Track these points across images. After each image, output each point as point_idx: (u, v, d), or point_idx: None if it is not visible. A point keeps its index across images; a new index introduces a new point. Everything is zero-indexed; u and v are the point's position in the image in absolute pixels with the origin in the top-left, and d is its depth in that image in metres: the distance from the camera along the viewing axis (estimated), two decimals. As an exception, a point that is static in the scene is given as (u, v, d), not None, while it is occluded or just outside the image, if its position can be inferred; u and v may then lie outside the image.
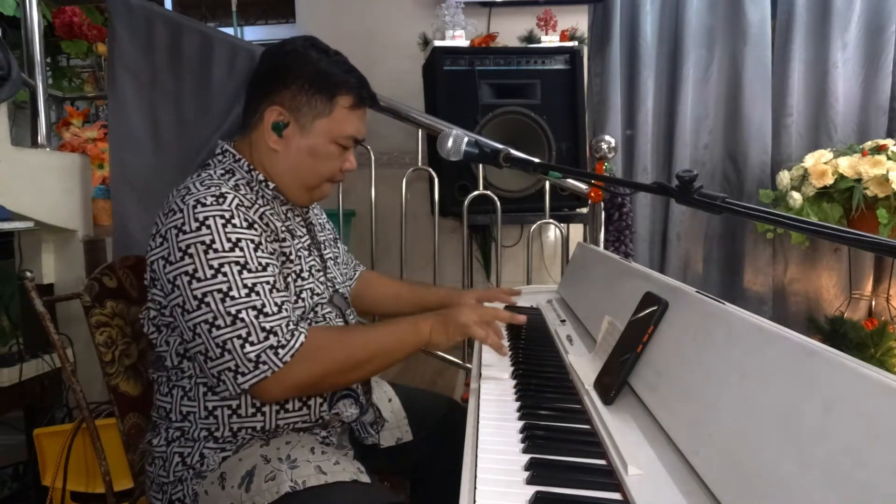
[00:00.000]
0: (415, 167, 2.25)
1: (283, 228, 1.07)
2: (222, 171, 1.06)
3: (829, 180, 2.57)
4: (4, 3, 2.07)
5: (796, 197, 2.66)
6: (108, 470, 1.18)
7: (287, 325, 0.95)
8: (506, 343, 1.11)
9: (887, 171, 2.44)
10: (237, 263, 0.93)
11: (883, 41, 2.93)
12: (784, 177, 2.77)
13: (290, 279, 1.04)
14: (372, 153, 2.29)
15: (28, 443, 1.73)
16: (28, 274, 1.16)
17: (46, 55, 2.17)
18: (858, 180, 2.52)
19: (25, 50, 1.81)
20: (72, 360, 1.53)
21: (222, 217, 0.95)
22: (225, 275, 0.92)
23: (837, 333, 2.65)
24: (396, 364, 1.17)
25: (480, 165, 2.23)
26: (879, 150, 2.54)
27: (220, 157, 1.10)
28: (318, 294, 1.10)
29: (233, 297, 0.92)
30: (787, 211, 2.65)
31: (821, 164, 2.61)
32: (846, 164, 2.54)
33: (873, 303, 2.95)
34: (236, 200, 0.97)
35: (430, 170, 2.29)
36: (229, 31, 2.93)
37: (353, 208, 2.76)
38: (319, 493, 0.88)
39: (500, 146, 1.28)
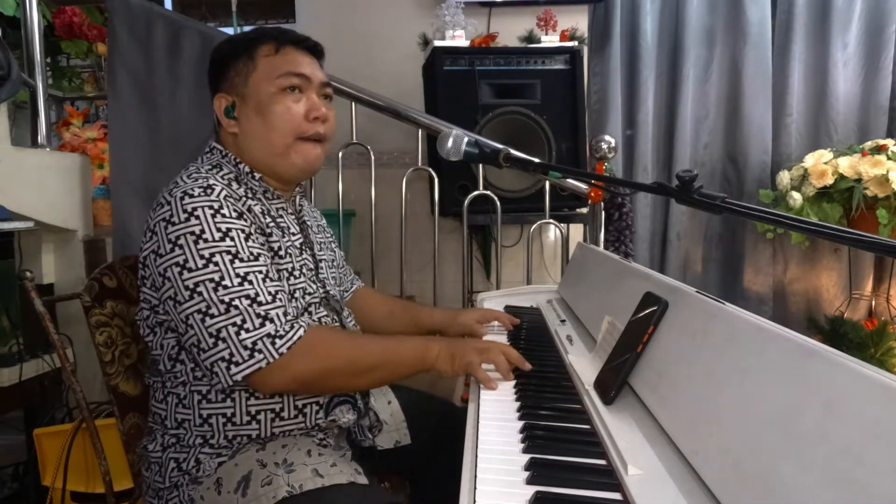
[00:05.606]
0: (415, 167, 2.25)
1: (273, 224, 1.05)
2: (209, 167, 1.06)
3: (829, 180, 2.57)
4: (4, 3, 2.07)
5: (796, 197, 2.66)
6: (107, 470, 1.18)
7: (285, 315, 0.93)
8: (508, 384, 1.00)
9: (887, 171, 2.44)
10: (228, 253, 0.92)
11: (883, 41, 2.93)
12: (784, 177, 2.77)
13: (281, 276, 1.02)
14: (372, 153, 2.29)
15: (28, 443, 1.73)
16: (28, 274, 1.16)
17: (46, 55, 2.17)
18: (858, 180, 2.52)
19: (25, 50, 1.81)
20: (72, 360, 1.53)
21: (211, 207, 0.94)
22: (216, 264, 0.91)
23: (837, 333, 2.65)
24: (398, 381, 1.14)
25: (480, 165, 2.23)
26: (879, 150, 2.54)
27: (208, 155, 1.10)
28: (310, 294, 1.07)
29: (225, 286, 0.91)
30: (787, 211, 2.64)
31: (821, 164, 2.61)
32: (846, 164, 2.54)
33: (873, 303, 2.95)
34: (224, 191, 0.97)
35: (430, 170, 2.29)
36: (229, 31, 2.93)
37: (353, 208, 2.76)
38: (317, 497, 0.87)
39: (500, 146, 1.28)
